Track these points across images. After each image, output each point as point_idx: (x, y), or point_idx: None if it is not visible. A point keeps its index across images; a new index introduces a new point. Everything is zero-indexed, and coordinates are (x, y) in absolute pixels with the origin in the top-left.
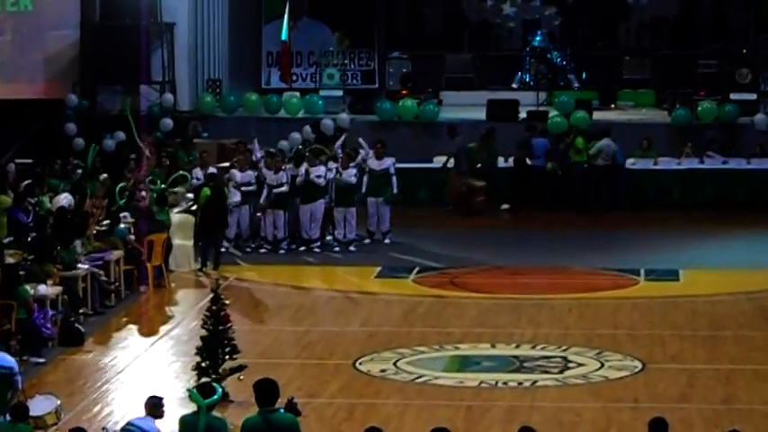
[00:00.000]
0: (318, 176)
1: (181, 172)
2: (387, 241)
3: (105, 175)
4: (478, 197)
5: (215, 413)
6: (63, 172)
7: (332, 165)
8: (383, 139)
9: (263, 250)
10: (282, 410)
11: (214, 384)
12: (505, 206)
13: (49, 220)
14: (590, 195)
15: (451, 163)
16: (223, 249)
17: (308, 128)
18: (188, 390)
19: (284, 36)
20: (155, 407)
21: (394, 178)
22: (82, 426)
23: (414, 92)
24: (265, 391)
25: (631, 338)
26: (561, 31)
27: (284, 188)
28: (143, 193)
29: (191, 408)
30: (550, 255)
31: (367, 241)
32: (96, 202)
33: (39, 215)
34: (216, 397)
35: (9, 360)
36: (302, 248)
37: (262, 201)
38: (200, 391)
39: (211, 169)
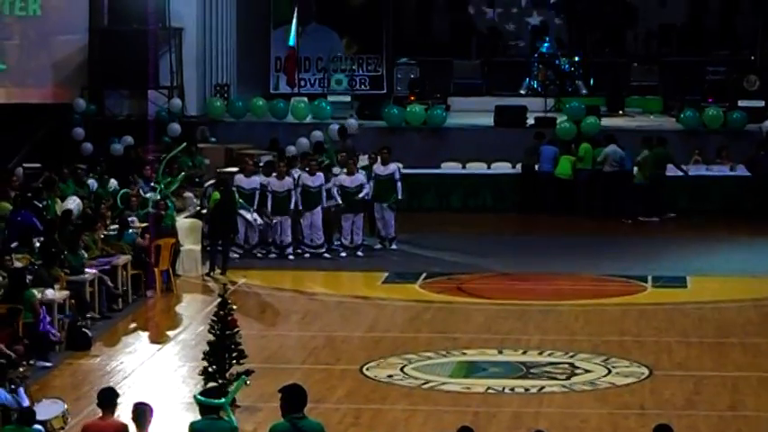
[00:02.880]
0: (315, 184)
1: (183, 174)
2: (393, 247)
3: (114, 180)
4: None
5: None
6: (74, 177)
7: (337, 170)
8: (389, 145)
9: (272, 255)
10: (310, 418)
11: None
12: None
13: (56, 224)
14: (597, 202)
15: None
16: (236, 256)
17: (317, 132)
18: (196, 395)
19: (292, 41)
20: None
21: (399, 184)
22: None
23: (421, 98)
24: (294, 396)
25: (638, 345)
26: (569, 38)
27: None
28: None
29: (196, 413)
30: (557, 261)
31: (378, 247)
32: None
33: (47, 219)
34: (233, 391)
35: (5, 396)
36: (307, 255)
37: (267, 209)
38: (208, 395)
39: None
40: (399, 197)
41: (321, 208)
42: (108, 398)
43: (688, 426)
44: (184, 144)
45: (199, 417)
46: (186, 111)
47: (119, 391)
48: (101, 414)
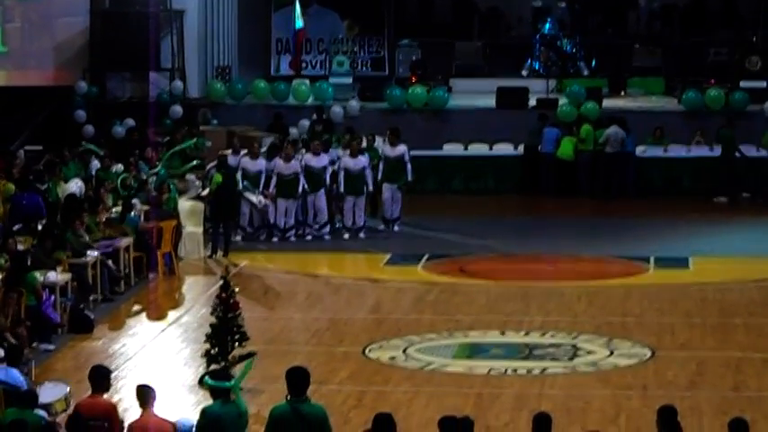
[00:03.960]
0: (319, 165)
1: (194, 162)
2: (396, 229)
3: (120, 165)
4: None
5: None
6: (78, 158)
7: (340, 152)
8: (392, 127)
9: (274, 239)
10: (311, 401)
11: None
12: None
13: (58, 206)
14: (599, 183)
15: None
16: (238, 238)
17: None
18: (206, 379)
19: (299, 24)
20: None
21: (408, 165)
22: None
23: (423, 79)
24: (297, 379)
25: (641, 326)
26: (571, 19)
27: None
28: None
29: (201, 395)
30: (560, 242)
31: (382, 228)
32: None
33: (49, 202)
34: (243, 373)
35: (18, 377)
36: (309, 237)
37: (270, 189)
38: (216, 377)
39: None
40: (409, 179)
41: (324, 189)
42: (99, 375)
43: (691, 406)
44: (194, 140)
45: (209, 401)
46: (188, 93)
47: (121, 373)
48: (90, 393)
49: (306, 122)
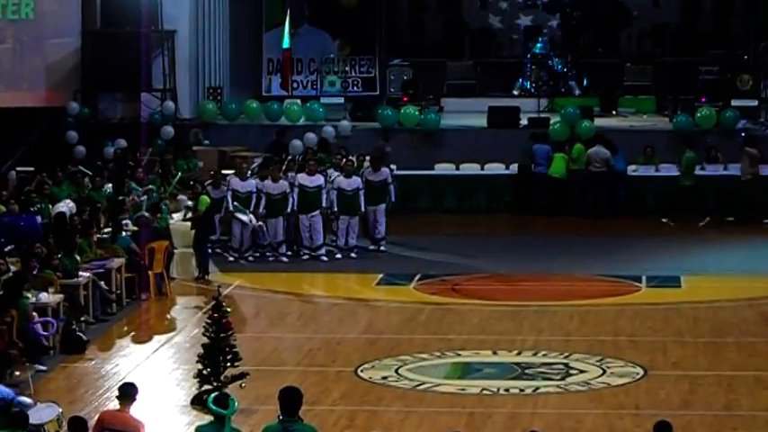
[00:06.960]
0: (313, 184)
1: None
2: (382, 248)
3: (109, 185)
4: None
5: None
6: (71, 180)
7: (333, 173)
8: (378, 155)
9: (269, 258)
10: (303, 421)
11: (231, 397)
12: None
13: (49, 227)
14: (587, 202)
15: None
16: (231, 259)
17: (310, 135)
18: (206, 400)
19: (286, 44)
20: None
21: (391, 187)
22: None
23: (415, 99)
24: (289, 399)
25: (633, 345)
26: (562, 38)
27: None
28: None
29: (194, 415)
30: (552, 261)
31: (372, 248)
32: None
33: (43, 223)
34: (235, 406)
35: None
36: (305, 257)
37: (260, 210)
38: (217, 402)
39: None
40: (392, 200)
41: (320, 210)
42: (123, 391)
43: (683, 425)
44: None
45: (202, 420)
46: (179, 113)
47: (113, 393)
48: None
49: (298, 142)
